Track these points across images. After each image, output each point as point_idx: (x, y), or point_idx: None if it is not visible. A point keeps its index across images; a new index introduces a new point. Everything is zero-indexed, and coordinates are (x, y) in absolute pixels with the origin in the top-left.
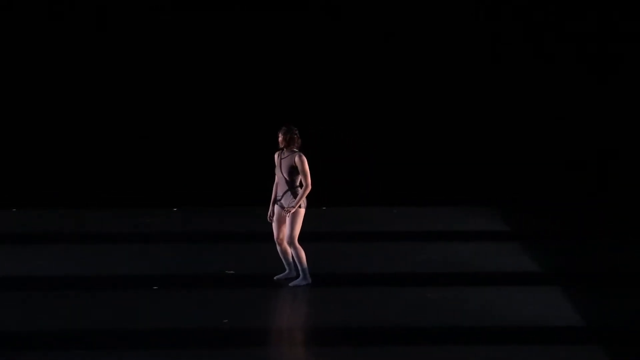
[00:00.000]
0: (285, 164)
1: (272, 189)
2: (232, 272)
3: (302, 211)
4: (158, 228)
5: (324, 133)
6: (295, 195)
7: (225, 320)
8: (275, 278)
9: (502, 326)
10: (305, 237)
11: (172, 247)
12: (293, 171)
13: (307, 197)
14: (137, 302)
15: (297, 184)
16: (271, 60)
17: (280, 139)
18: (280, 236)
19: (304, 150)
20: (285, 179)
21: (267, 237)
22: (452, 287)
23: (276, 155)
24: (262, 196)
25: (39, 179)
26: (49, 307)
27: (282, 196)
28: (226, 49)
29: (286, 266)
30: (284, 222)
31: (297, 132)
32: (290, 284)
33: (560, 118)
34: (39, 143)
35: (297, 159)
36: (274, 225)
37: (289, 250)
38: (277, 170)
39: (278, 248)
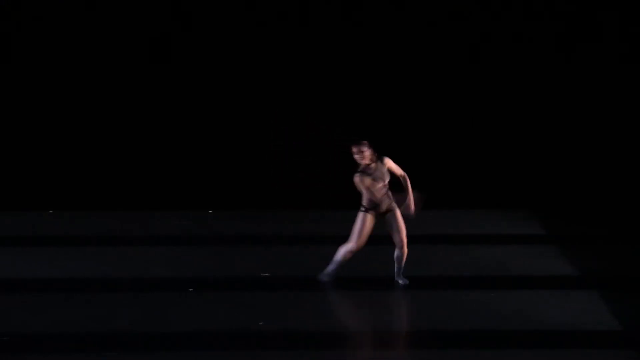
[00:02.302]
0: (379, 174)
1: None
2: (267, 274)
3: (361, 214)
4: (192, 230)
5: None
6: (389, 195)
7: (261, 323)
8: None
9: (538, 330)
10: (335, 240)
11: (206, 249)
12: (388, 174)
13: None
14: (171, 304)
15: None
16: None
17: (365, 156)
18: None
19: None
20: (387, 185)
21: (302, 239)
22: (487, 290)
23: (361, 176)
24: (299, 199)
25: (71, 181)
26: (83, 308)
27: (383, 202)
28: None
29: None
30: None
31: (367, 143)
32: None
33: (595, 120)
34: (78, 147)
35: (385, 160)
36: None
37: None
38: (374, 184)
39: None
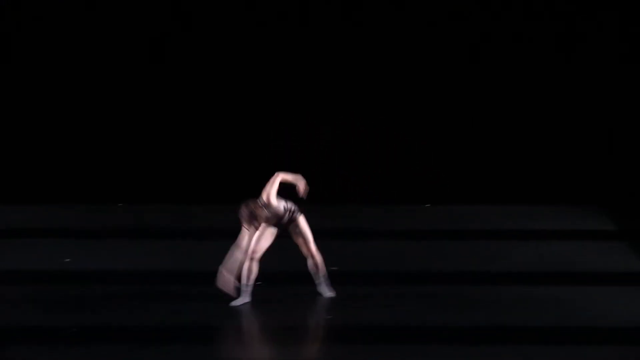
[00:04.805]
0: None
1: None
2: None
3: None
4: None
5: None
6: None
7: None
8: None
9: (608, 327)
10: (403, 235)
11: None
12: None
13: None
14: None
15: None
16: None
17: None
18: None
19: None
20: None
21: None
22: (556, 286)
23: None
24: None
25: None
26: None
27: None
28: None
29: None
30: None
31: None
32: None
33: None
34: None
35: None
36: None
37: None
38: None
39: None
